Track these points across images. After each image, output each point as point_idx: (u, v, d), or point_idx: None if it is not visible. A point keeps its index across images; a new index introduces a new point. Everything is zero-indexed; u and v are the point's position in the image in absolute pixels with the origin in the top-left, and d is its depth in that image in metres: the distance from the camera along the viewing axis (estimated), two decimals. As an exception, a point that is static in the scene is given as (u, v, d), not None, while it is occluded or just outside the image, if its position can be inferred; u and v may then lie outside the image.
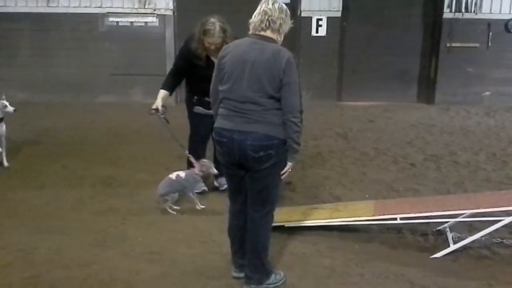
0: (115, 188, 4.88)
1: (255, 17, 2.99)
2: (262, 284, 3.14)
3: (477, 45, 8.80)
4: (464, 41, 8.73)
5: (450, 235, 3.83)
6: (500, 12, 8.74)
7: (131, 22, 8.62)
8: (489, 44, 8.77)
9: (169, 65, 8.67)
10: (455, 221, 3.96)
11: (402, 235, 3.95)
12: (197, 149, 4.54)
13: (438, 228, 4.00)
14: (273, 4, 2.97)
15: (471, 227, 3.99)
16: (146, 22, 8.63)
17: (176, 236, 3.87)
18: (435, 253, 3.63)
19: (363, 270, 3.41)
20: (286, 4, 3.13)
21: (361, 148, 6.39)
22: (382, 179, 5.26)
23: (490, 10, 8.73)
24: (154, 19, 8.62)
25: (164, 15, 8.60)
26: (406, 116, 8.18)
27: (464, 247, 3.67)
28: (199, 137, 4.55)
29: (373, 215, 3.83)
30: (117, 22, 8.61)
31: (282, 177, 3.11)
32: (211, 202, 4.47)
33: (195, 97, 4.44)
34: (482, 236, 3.67)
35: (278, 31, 3.00)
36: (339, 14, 8.80)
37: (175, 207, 4.30)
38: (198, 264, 3.43)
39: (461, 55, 8.76)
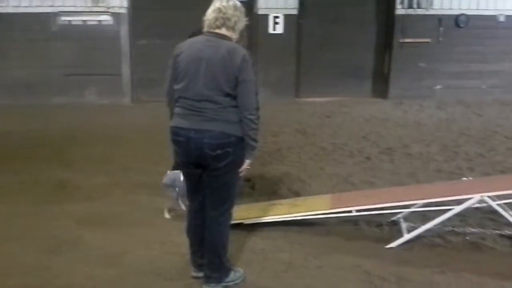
0: (70, 192, 4.76)
1: (210, 15, 2.97)
2: (221, 282, 3.14)
3: (428, 40, 9.09)
4: (416, 37, 9.01)
5: (404, 225, 3.95)
6: (450, 8, 9.06)
7: (84, 21, 8.44)
8: (440, 39, 9.09)
9: (124, 65, 8.63)
10: (409, 211, 4.08)
11: (358, 227, 4.04)
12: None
13: (392, 219, 4.11)
14: (227, 1, 2.96)
15: (424, 217, 4.10)
16: (99, 21, 8.46)
17: (133, 238, 3.81)
18: (390, 243, 3.72)
19: (321, 263, 3.47)
20: (243, 2, 3.14)
21: (319, 143, 6.50)
22: (339, 173, 5.37)
23: (441, 6, 9.03)
24: (108, 17, 8.47)
25: (118, 13, 8.46)
26: (362, 111, 8.38)
27: (418, 236, 3.78)
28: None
29: (330, 209, 3.91)
30: (70, 21, 8.41)
31: (241, 174, 3.12)
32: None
33: None
34: (434, 225, 3.78)
35: (233, 28, 2.98)
36: (295, 12, 8.92)
37: (168, 215, 4.16)
38: (156, 266, 3.40)
39: (413, 50, 9.04)
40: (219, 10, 2.94)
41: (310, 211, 3.98)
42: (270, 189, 4.90)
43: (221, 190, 3.06)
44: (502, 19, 9.08)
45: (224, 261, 3.16)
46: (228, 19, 2.95)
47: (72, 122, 7.41)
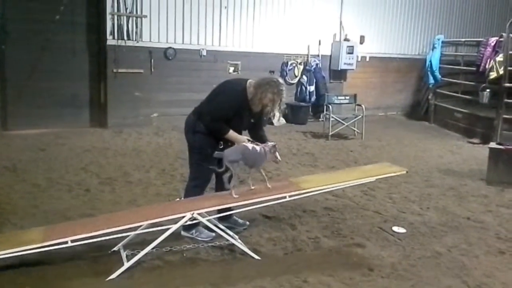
0: None
1: None
2: None
3: (141, 71, 9.47)
4: (129, 67, 9.26)
5: (124, 253, 3.94)
6: (159, 41, 9.66)
7: None
8: (152, 70, 9.58)
9: None
10: (128, 238, 4.09)
11: (76, 263, 3.82)
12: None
13: (113, 249, 4.06)
14: None
15: (144, 241, 4.13)
16: None
17: None
18: (110, 275, 3.66)
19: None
20: None
21: (32, 180, 5.95)
22: (56, 209, 5.02)
23: (150, 39, 9.54)
24: None
25: None
26: (80, 142, 8.09)
27: (139, 262, 3.81)
28: (207, 184, 4.59)
29: (43, 242, 3.55)
30: None
31: None
32: None
33: (221, 143, 4.44)
34: (153, 248, 3.88)
35: None
36: (-5, 36, 8.07)
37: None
38: None
39: (128, 80, 9.25)
40: None
41: (17, 247, 3.55)
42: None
43: None
44: (204, 53, 10.20)
45: None
46: None
47: None
